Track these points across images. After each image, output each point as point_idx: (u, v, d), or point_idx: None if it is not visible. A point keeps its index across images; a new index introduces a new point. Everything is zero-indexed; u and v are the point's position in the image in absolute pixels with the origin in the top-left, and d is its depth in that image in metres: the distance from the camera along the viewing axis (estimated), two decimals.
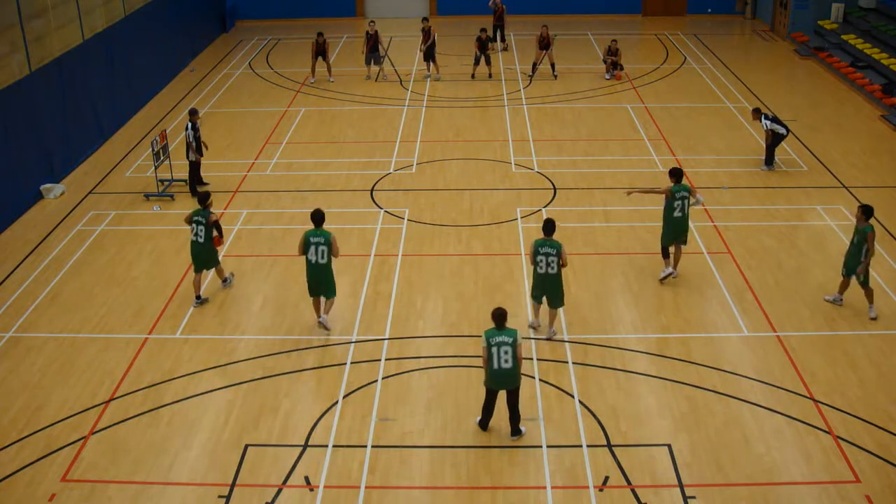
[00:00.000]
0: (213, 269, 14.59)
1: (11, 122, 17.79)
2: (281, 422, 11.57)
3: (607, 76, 26.27)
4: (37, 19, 18.99)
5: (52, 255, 16.15)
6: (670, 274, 14.64)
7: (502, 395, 11.07)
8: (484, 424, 11.27)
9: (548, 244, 12.77)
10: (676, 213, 14.38)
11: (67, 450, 11.13)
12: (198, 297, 14.27)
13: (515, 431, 11.15)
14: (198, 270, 14.29)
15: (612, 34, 31.08)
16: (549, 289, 13.02)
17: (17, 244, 16.61)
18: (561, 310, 13.39)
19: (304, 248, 13.07)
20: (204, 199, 14.20)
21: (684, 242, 14.65)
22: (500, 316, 10.82)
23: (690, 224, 16.55)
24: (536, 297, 13.25)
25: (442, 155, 20.53)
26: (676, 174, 14.61)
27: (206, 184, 18.71)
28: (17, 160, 17.95)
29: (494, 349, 10.71)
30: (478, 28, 27.05)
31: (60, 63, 19.83)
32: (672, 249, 14.69)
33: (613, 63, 26.22)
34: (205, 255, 14.20)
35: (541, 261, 12.80)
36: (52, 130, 19.40)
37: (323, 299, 13.38)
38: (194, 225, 14.05)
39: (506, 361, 10.73)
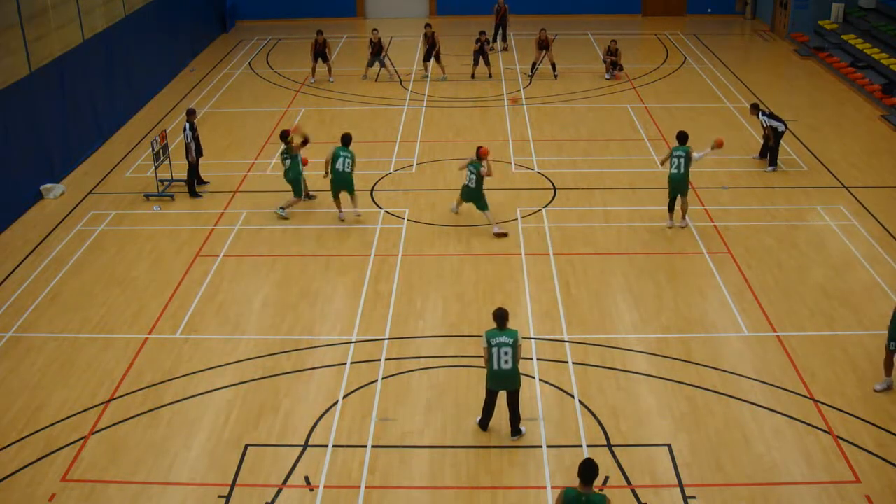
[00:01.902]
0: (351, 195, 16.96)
1: (11, 122, 17.79)
2: (281, 422, 11.57)
3: (607, 76, 26.21)
4: (37, 19, 18.98)
5: (52, 255, 16.15)
6: (673, 225, 16.48)
7: (503, 396, 11.07)
8: (484, 424, 11.27)
9: (472, 162, 15.90)
10: (672, 170, 16.11)
11: (67, 450, 11.13)
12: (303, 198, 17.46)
13: (515, 432, 11.15)
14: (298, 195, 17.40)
15: (611, 34, 31.07)
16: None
17: (17, 244, 16.61)
18: (561, 310, 13.36)
19: (333, 158, 16.42)
20: (284, 136, 17.21)
21: (684, 194, 16.27)
22: (501, 316, 10.80)
23: (690, 224, 16.61)
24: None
25: (442, 155, 20.53)
26: (680, 136, 16.40)
27: (206, 182, 18.72)
28: (17, 160, 17.94)
29: (495, 350, 10.70)
30: (477, 30, 27.02)
31: (60, 63, 19.82)
32: (678, 206, 16.42)
33: (613, 63, 26.12)
34: (298, 183, 17.19)
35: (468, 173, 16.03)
36: (52, 130, 19.40)
37: (347, 197, 16.81)
38: (283, 160, 17.06)
39: (506, 363, 10.72)
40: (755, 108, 19.54)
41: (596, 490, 8.40)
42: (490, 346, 10.71)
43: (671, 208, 16.51)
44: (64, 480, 10.62)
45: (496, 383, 10.89)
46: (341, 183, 16.57)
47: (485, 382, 11.03)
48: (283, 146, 17.26)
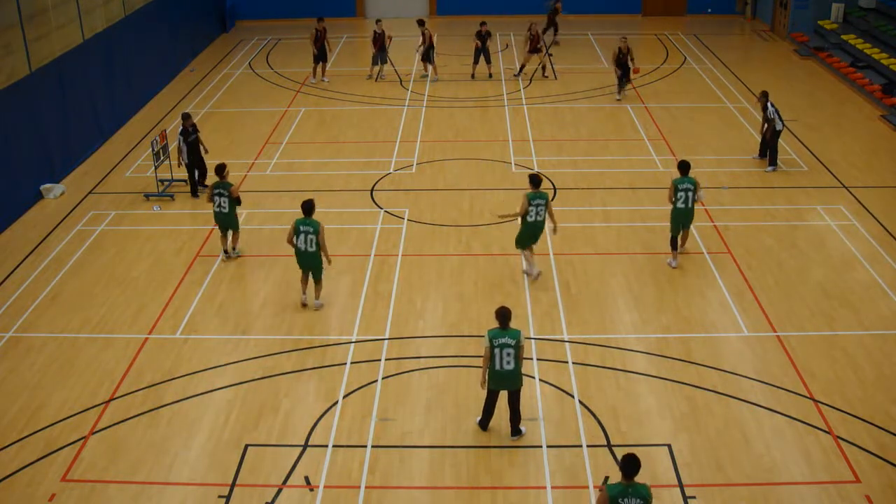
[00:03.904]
0: (235, 233, 15.75)
1: (11, 122, 17.79)
2: (281, 422, 11.57)
3: (618, 97, 24.06)
4: (37, 19, 18.98)
5: (52, 255, 16.15)
6: (676, 265, 15.20)
7: (504, 396, 11.07)
8: (484, 424, 11.26)
9: (539, 195, 14.28)
10: (679, 205, 14.83)
11: (67, 450, 11.13)
12: (225, 251, 15.56)
13: (515, 432, 11.15)
14: (222, 233, 15.59)
15: (611, 34, 31.10)
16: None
17: (17, 244, 16.61)
18: (561, 310, 13.36)
19: (294, 235, 13.62)
20: (220, 170, 15.29)
21: (687, 227, 15.34)
22: (503, 315, 10.77)
23: (691, 224, 16.58)
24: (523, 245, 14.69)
25: (442, 155, 20.54)
26: (682, 167, 15.00)
27: (206, 186, 18.57)
28: (17, 160, 17.95)
29: (497, 350, 10.69)
30: (476, 31, 27.02)
31: (60, 63, 19.83)
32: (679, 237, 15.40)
33: (623, 76, 23.83)
34: (229, 222, 15.50)
35: (531, 210, 14.32)
36: (52, 130, 19.40)
37: (312, 282, 14.11)
38: (217, 197, 15.20)
39: (508, 363, 10.71)
40: (765, 97, 19.34)
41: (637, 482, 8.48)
42: (492, 345, 10.69)
43: (675, 245, 15.23)
44: (64, 480, 10.62)
45: (497, 383, 10.88)
46: (307, 264, 13.90)
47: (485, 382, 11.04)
48: (217, 181, 15.39)
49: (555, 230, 14.86)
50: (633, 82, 25.26)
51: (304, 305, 14.14)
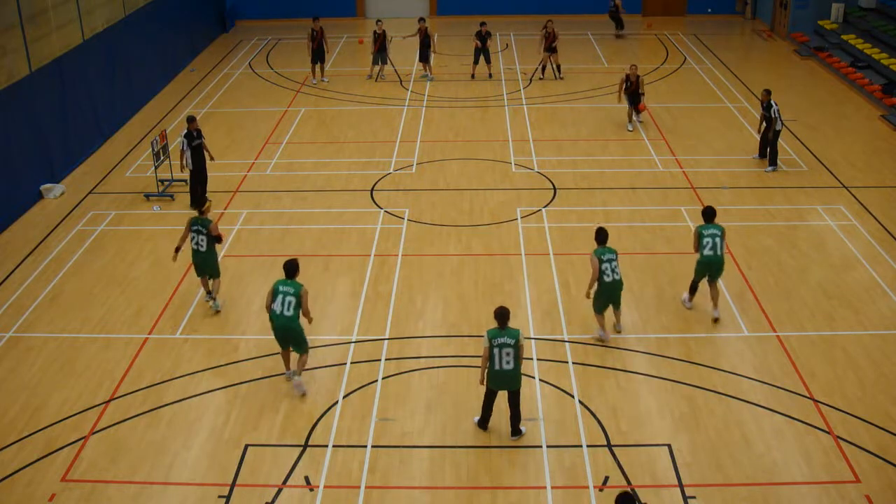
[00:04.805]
0: (215, 279, 14.08)
1: (11, 122, 17.79)
2: (281, 422, 11.56)
3: (629, 127, 21.79)
4: (37, 19, 18.98)
5: (52, 255, 16.15)
6: (691, 307, 13.89)
7: (503, 395, 11.06)
8: (483, 424, 11.26)
9: (608, 251, 12.64)
10: (707, 252, 13.31)
11: (67, 450, 11.13)
12: (208, 292, 14.09)
13: (515, 431, 11.14)
14: (199, 274, 14.07)
15: (611, 34, 31.15)
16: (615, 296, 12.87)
17: (17, 244, 16.61)
18: (561, 310, 13.34)
19: (272, 297, 11.72)
20: (201, 204, 13.88)
21: (715, 279, 13.51)
22: (502, 315, 10.75)
23: (691, 224, 16.55)
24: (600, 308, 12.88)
25: (442, 155, 20.53)
26: (707, 214, 13.55)
27: (208, 200, 18.14)
28: (17, 160, 17.95)
29: (496, 350, 10.68)
30: (476, 31, 27.01)
31: (60, 63, 19.82)
32: (705, 289, 13.72)
33: (634, 102, 21.71)
34: (207, 265, 13.86)
35: (606, 268, 12.55)
36: (52, 130, 19.40)
37: (295, 354, 12.15)
38: (194, 234, 13.61)
39: (507, 363, 10.71)
40: (768, 94, 19.19)
41: None
42: (491, 345, 10.69)
43: (694, 289, 13.80)
44: (64, 480, 10.62)
45: (497, 383, 10.88)
46: (284, 332, 11.85)
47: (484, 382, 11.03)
48: (195, 216, 13.79)
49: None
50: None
51: (289, 379, 12.19)
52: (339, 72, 27.22)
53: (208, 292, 14.12)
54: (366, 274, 15.21)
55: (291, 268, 11.89)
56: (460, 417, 11.57)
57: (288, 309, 11.64)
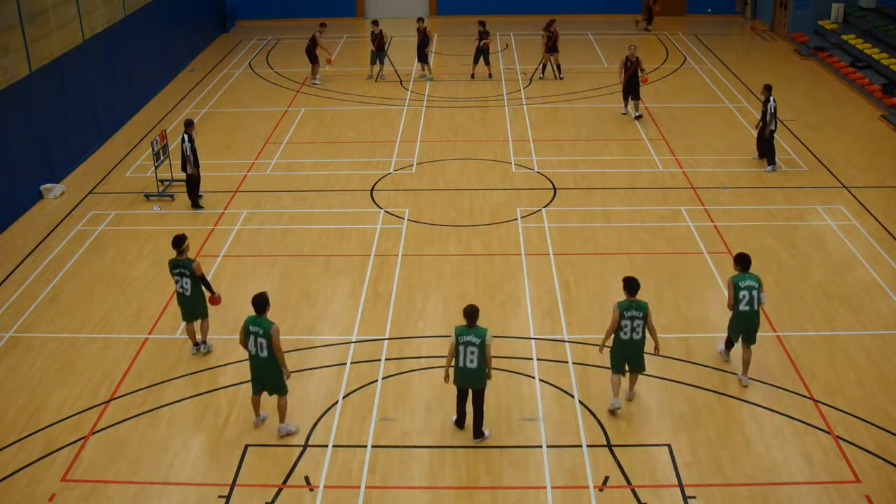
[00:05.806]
0: (203, 320, 12.99)
1: (11, 122, 17.79)
2: None
3: (623, 111, 22.64)
4: (37, 19, 18.98)
5: (52, 255, 16.14)
6: (729, 359, 12.56)
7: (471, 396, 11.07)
8: (460, 423, 11.25)
9: (634, 306, 11.09)
10: (743, 307, 11.79)
11: (67, 450, 11.13)
12: (196, 344, 13.01)
13: (478, 434, 11.10)
14: (187, 320, 12.91)
15: (612, 34, 31.14)
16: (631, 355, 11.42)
17: (17, 244, 16.61)
18: (561, 310, 13.34)
19: (244, 336, 11.02)
20: (179, 243, 12.49)
21: (751, 341, 11.99)
22: (470, 314, 10.75)
23: (691, 224, 16.55)
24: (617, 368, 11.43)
25: (442, 155, 20.53)
26: (741, 262, 12.01)
27: (200, 195, 18.03)
28: (17, 160, 17.95)
29: (461, 347, 10.70)
30: (476, 31, 27.00)
31: (60, 63, 19.82)
32: (741, 349, 12.17)
33: (625, 89, 22.34)
34: (197, 308, 12.75)
35: (626, 325, 11.12)
36: (52, 130, 19.40)
37: (275, 398, 11.30)
38: (177, 277, 12.52)
39: (471, 361, 10.70)
40: (768, 90, 19.10)
41: None
42: (457, 342, 10.71)
43: (731, 345, 12.39)
44: (64, 480, 10.62)
45: (461, 380, 10.91)
46: (260, 373, 11.10)
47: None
48: (173, 258, 12.62)
49: (656, 348, 11.57)
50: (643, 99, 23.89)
51: (284, 434, 11.26)
52: (340, 72, 27.22)
53: (195, 343, 12.96)
54: (366, 274, 15.21)
55: (259, 303, 10.95)
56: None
57: (262, 350, 10.89)
